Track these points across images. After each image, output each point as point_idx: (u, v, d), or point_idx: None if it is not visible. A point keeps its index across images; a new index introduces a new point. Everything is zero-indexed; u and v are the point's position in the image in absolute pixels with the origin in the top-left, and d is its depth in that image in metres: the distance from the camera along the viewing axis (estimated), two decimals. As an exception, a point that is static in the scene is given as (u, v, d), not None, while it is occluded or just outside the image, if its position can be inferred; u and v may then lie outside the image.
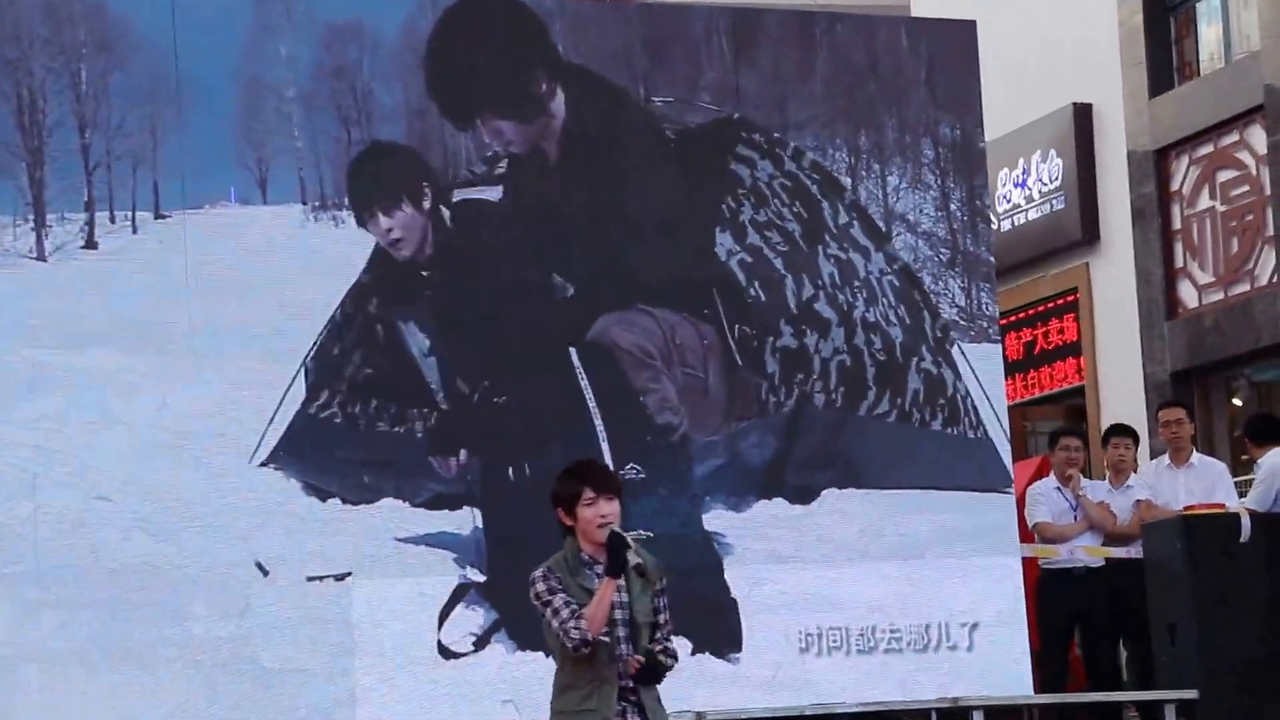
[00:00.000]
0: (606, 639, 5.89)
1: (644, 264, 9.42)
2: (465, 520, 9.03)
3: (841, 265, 9.69)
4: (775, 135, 9.70)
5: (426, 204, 9.14)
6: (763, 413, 9.46)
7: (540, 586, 5.94)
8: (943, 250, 9.95)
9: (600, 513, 5.94)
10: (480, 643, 8.97)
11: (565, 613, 5.87)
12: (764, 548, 9.37)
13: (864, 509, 9.58)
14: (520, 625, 8.79)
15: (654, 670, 5.98)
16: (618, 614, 5.97)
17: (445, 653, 8.90)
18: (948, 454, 9.72)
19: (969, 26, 10.24)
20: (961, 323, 9.97)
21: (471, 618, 8.96)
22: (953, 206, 9.98)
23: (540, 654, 8.39)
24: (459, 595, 8.97)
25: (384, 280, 9.07)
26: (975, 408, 9.89)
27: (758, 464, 9.43)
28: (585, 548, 6.00)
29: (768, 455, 9.46)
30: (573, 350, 9.22)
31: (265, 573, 8.70)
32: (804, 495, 9.46)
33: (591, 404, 9.17)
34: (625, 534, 5.92)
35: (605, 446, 9.12)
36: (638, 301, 9.37)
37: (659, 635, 6.07)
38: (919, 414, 9.70)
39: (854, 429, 9.61)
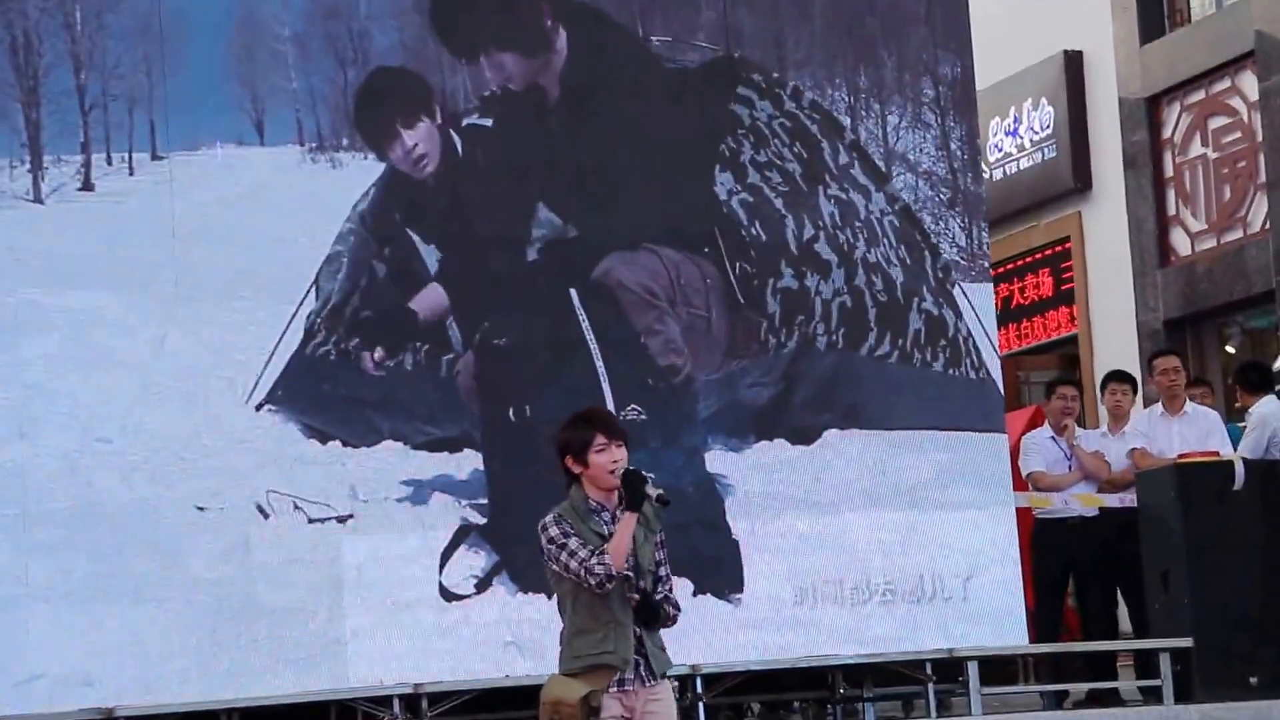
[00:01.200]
0: (632, 573, 5.93)
1: (644, 203, 9.42)
2: (466, 462, 9.05)
3: (842, 205, 9.70)
4: (774, 75, 9.69)
5: (439, 122, 9.17)
6: (763, 352, 9.48)
7: (554, 530, 5.95)
8: (943, 190, 9.96)
9: (613, 458, 5.95)
10: (482, 585, 9.01)
11: (584, 552, 5.89)
12: (764, 489, 9.40)
13: (864, 450, 9.60)
14: (521, 568, 8.83)
15: (652, 610, 6.00)
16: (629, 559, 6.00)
17: (446, 595, 8.94)
18: (950, 395, 9.74)
19: None
20: (962, 263, 9.98)
21: (473, 560, 8.99)
22: (953, 146, 9.99)
23: (542, 596, 8.46)
24: (460, 537, 9.00)
25: (384, 215, 9.07)
26: (977, 348, 9.91)
27: (758, 404, 9.45)
28: (593, 494, 6.01)
29: (768, 395, 9.47)
30: (573, 291, 9.22)
31: (266, 515, 8.73)
32: (805, 436, 9.49)
33: (593, 345, 9.18)
34: (644, 473, 5.95)
35: (606, 388, 9.14)
36: (641, 241, 9.38)
37: (660, 587, 6.09)
38: (920, 355, 9.71)
39: (855, 370, 9.62)
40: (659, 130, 9.50)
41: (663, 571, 6.10)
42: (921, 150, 9.91)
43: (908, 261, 9.79)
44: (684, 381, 9.33)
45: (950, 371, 9.75)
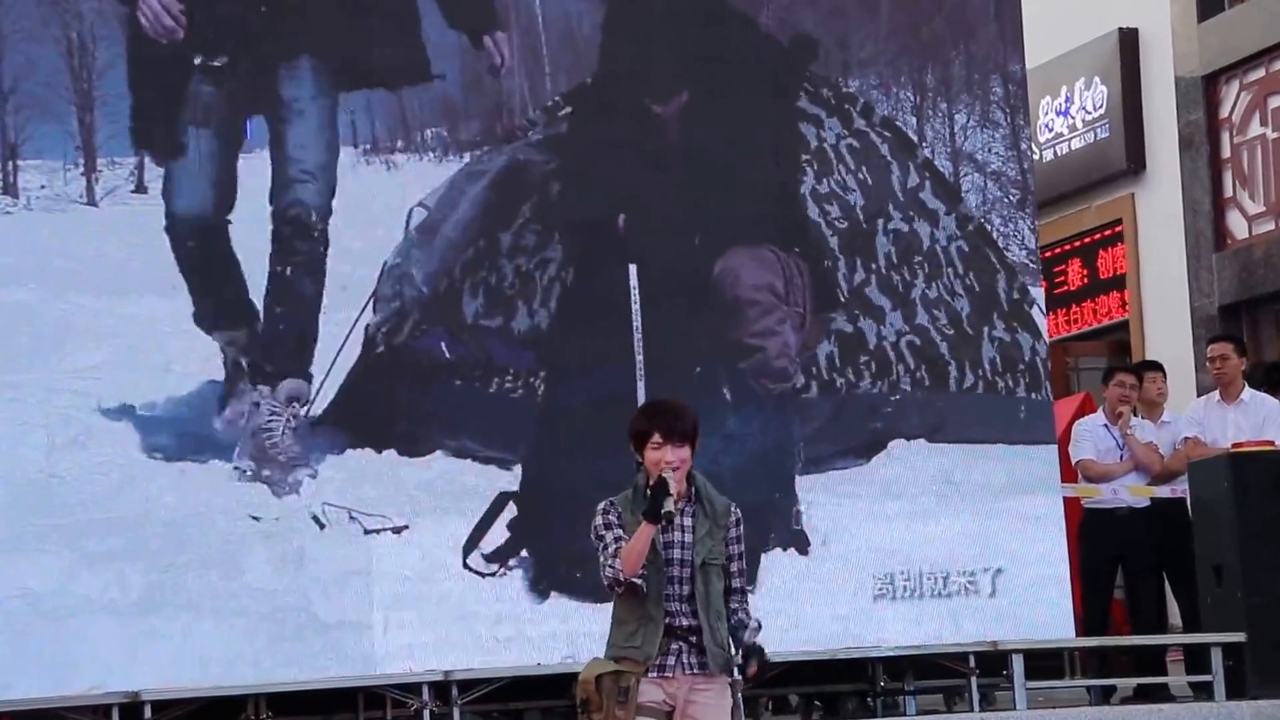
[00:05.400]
0: (640, 580, 6.01)
1: (728, 202, 9.55)
2: (517, 477, 9.18)
3: (902, 240, 9.80)
4: (845, 89, 9.77)
5: None
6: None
7: (598, 519, 6.10)
8: (1013, 191, 10.03)
9: (665, 458, 6.03)
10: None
11: (610, 550, 6.02)
12: (828, 497, 9.54)
13: (923, 458, 9.73)
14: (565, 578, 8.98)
15: (761, 661, 6.06)
16: (676, 553, 6.08)
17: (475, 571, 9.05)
18: (1028, 415, 9.91)
19: None
20: (1031, 265, 10.07)
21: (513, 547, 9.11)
22: (1023, 145, 10.05)
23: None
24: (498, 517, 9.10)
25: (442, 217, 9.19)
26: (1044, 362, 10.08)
27: (827, 415, 9.59)
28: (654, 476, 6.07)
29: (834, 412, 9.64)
30: (632, 269, 9.31)
31: (321, 526, 8.85)
32: (869, 450, 9.66)
33: (637, 330, 9.27)
34: (670, 479, 6.01)
35: (641, 384, 9.24)
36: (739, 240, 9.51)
37: (733, 584, 6.16)
38: (1002, 382, 9.84)
39: (935, 404, 9.77)
40: (735, 127, 9.59)
41: (734, 567, 6.17)
42: (990, 150, 9.97)
43: (976, 289, 9.88)
44: (792, 390, 9.49)
45: (1033, 395, 9.86)
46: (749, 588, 6.28)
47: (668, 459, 6.03)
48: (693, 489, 6.15)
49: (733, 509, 6.21)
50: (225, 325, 8.86)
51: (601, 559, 6.04)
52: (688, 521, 6.11)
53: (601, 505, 6.13)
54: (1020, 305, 9.92)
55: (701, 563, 6.09)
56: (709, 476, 6.24)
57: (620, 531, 6.03)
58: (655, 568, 6.05)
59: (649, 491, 5.99)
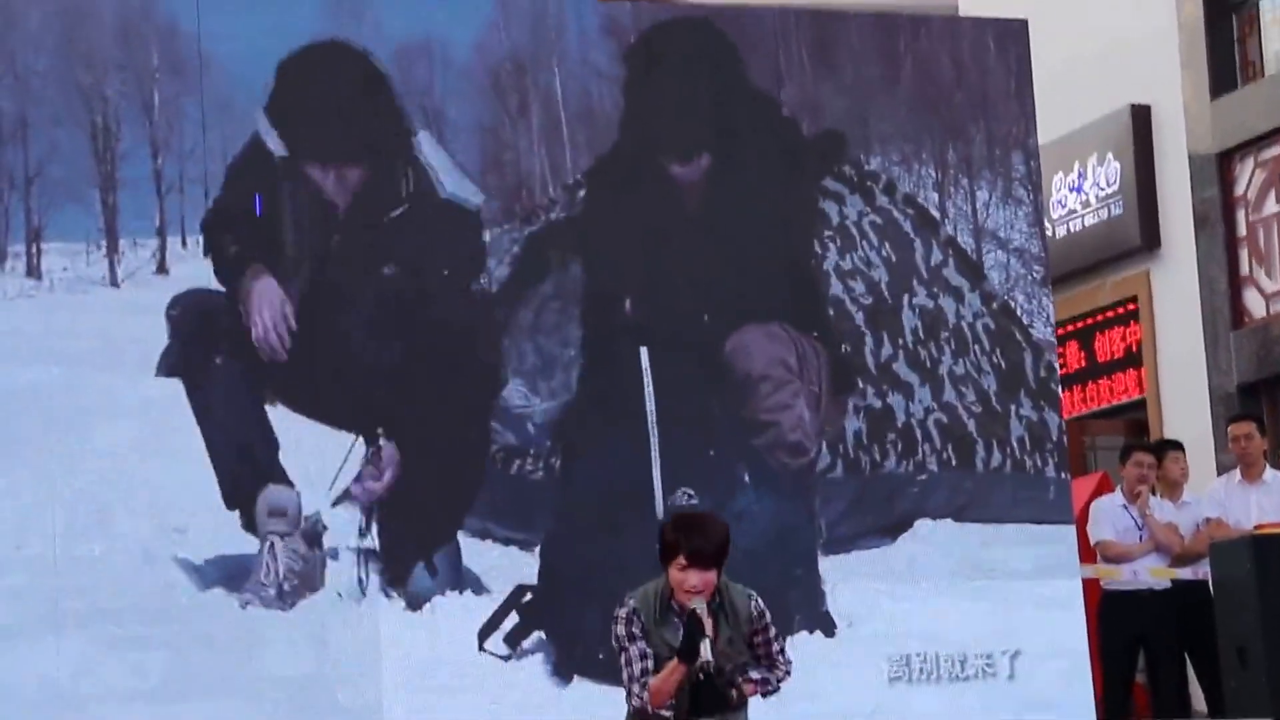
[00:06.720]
0: (669, 714, 6.00)
1: (741, 280, 9.61)
2: (536, 558, 9.19)
3: (928, 315, 9.86)
4: (866, 167, 9.85)
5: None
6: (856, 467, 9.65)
7: (620, 629, 6.05)
8: (1036, 268, 10.10)
9: (689, 583, 5.98)
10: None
11: (636, 669, 5.99)
12: (853, 577, 9.55)
13: (951, 538, 9.75)
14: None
15: (716, 700, 6.05)
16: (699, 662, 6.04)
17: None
18: (1056, 495, 9.91)
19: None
20: (1055, 343, 10.14)
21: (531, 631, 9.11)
22: (1046, 222, 10.12)
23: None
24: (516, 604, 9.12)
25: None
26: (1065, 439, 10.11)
27: (852, 495, 9.62)
28: (678, 594, 6.05)
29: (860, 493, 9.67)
30: (643, 351, 9.36)
31: (341, 608, 8.85)
32: (894, 531, 9.68)
33: (651, 414, 9.31)
34: (706, 620, 5.93)
35: (656, 468, 9.27)
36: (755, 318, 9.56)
37: (774, 665, 6.16)
38: (1030, 461, 9.87)
39: (963, 484, 9.81)
40: (758, 205, 9.69)
41: (762, 651, 6.15)
42: (1013, 226, 10.04)
43: (1003, 367, 9.93)
44: (809, 465, 9.52)
45: (1062, 475, 9.88)
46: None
47: (692, 583, 5.98)
48: (716, 595, 6.09)
49: (753, 603, 6.17)
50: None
51: (625, 677, 6.01)
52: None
53: (622, 611, 6.08)
54: (1047, 384, 9.97)
55: (724, 670, 6.05)
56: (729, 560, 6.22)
57: (644, 644, 6.00)
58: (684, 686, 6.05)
59: (684, 628, 5.93)
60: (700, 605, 5.94)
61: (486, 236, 9.27)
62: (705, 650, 5.88)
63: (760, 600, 6.21)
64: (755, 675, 6.14)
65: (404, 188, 9.08)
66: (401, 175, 9.07)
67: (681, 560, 5.98)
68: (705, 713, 6.04)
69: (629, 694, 6.00)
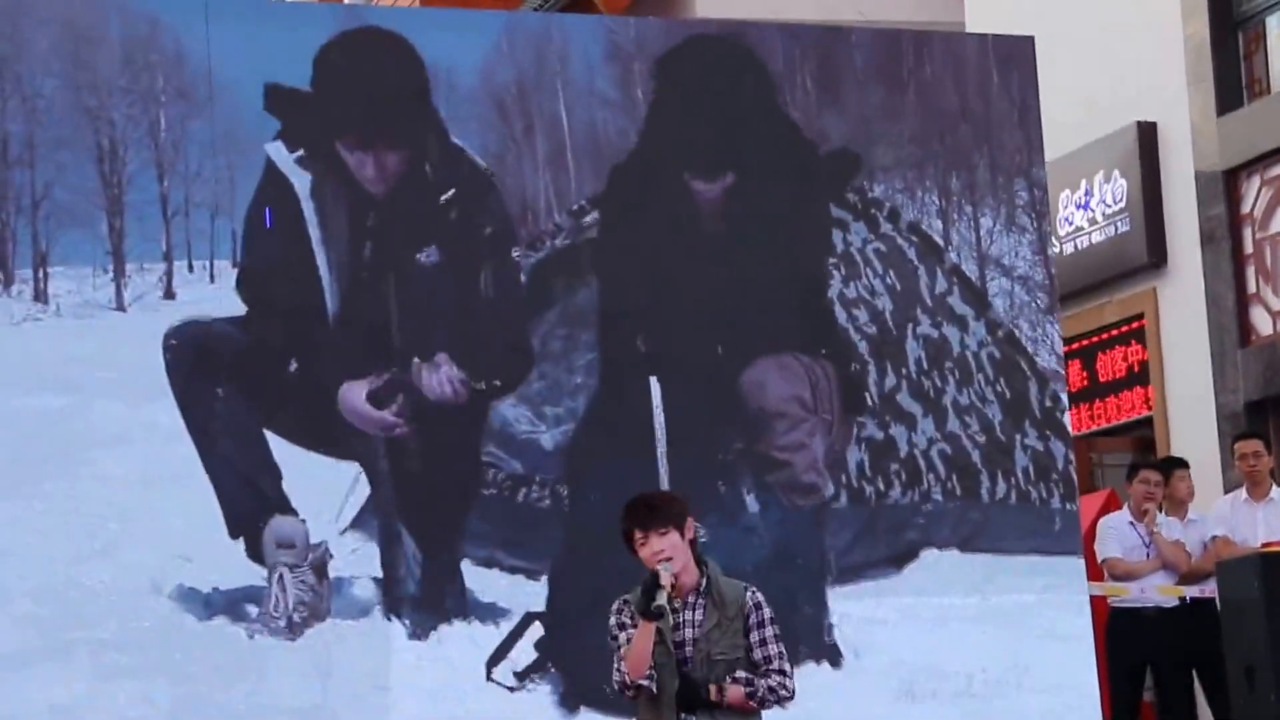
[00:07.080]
0: (648, 681, 6.06)
1: (763, 303, 9.63)
2: (544, 587, 9.21)
3: (932, 345, 9.87)
4: (870, 194, 9.85)
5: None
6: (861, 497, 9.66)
7: (612, 620, 6.23)
8: (1040, 295, 10.11)
9: (652, 550, 6.13)
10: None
11: (619, 655, 6.12)
12: (860, 608, 9.57)
13: (957, 569, 9.76)
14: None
15: (692, 691, 6.06)
16: (689, 650, 6.10)
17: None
18: (1062, 527, 9.91)
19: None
20: (1060, 372, 10.13)
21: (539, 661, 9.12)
22: (1051, 250, 10.13)
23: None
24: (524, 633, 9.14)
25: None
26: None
27: (858, 527, 9.62)
28: (650, 567, 6.18)
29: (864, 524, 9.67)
30: (653, 380, 9.37)
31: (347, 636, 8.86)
32: (900, 561, 9.68)
33: (661, 444, 9.33)
34: (663, 573, 6.07)
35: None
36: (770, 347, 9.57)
37: (767, 670, 6.16)
38: (1035, 492, 9.88)
39: (968, 514, 9.81)
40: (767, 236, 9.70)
41: (757, 654, 6.17)
42: (1017, 254, 10.05)
43: (1007, 396, 9.92)
44: (821, 505, 9.54)
45: (1068, 506, 9.89)
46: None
47: (654, 548, 6.10)
48: (704, 579, 6.16)
49: (748, 594, 6.20)
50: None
51: (614, 664, 6.11)
52: (698, 615, 6.14)
53: (615, 604, 6.23)
54: (1052, 413, 9.97)
55: (710, 657, 6.10)
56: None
57: (632, 631, 6.09)
58: (669, 669, 6.09)
59: (642, 589, 6.07)
60: (666, 568, 6.06)
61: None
62: (660, 598, 5.99)
63: (760, 594, 6.24)
64: (741, 675, 6.14)
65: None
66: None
67: (639, 534, 6.15)
68: (688, 709, 6.10)
69: (612, 678, 6.12)
